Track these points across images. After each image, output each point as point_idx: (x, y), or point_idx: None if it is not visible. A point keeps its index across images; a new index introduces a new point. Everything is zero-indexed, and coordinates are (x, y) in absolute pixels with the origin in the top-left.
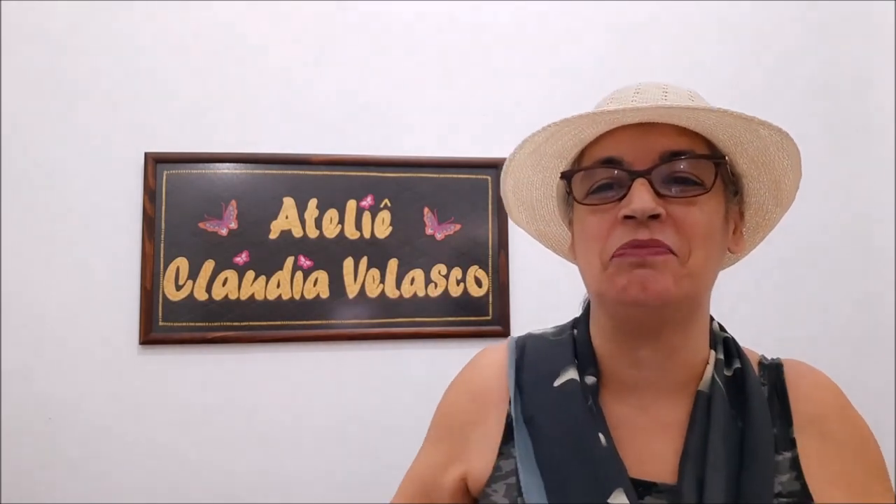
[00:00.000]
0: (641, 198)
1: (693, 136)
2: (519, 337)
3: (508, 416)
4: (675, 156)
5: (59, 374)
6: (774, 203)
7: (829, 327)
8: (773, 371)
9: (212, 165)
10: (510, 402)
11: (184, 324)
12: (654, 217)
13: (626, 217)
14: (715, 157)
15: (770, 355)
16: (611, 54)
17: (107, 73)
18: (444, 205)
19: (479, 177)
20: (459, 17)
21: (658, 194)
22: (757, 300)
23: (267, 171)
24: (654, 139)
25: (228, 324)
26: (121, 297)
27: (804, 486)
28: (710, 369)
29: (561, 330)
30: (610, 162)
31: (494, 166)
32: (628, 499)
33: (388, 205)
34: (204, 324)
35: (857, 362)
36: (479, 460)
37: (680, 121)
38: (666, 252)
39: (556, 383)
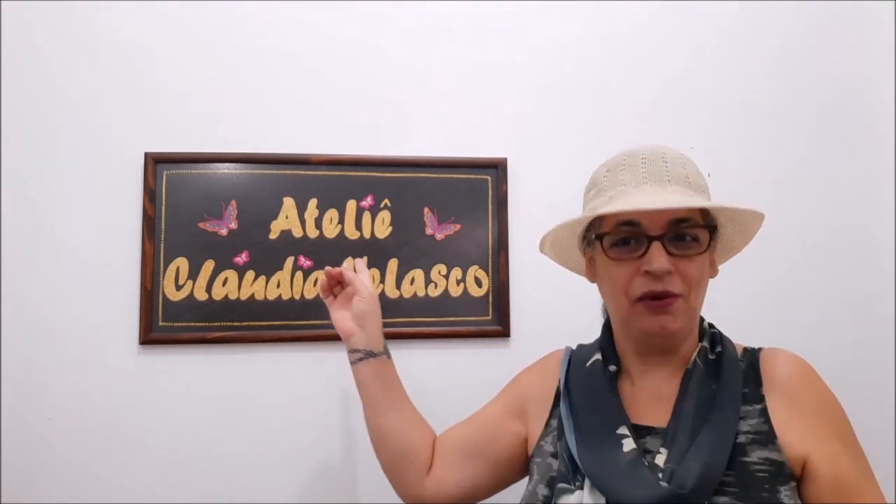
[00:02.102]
0: (660, 259)
1: None
2: (574, 348)
3: (558, 389)
4: (679, 222)
5: (58, 374)
6: (741, 241)
7: (828, 327)
8: (753, 352)
9: (212, 165)
10: (560, 380)
11: (184, 324)
12: (667, 272)
13: (646, 272)
14: (709, 225)
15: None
16: (611, 57)
17: (107, 73)
18: (444, 205)
19: (479, 177)
20: (460, 17)
21: (669, 253)
22: (754, 302)
23: (267, 171)
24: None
25: (228, 324)
26: (121, 297)
27: (771, 428)
28: (694, 354)
29: (595, 340)
30: (629, 224)
31: (495, 166)
32: (629, 433)
33: (388, 205)
34: (204, 324)
35: (857, 362)
36: (536, 421)
37: (695, 205)
38: (676, 299)
39: (587, 364)
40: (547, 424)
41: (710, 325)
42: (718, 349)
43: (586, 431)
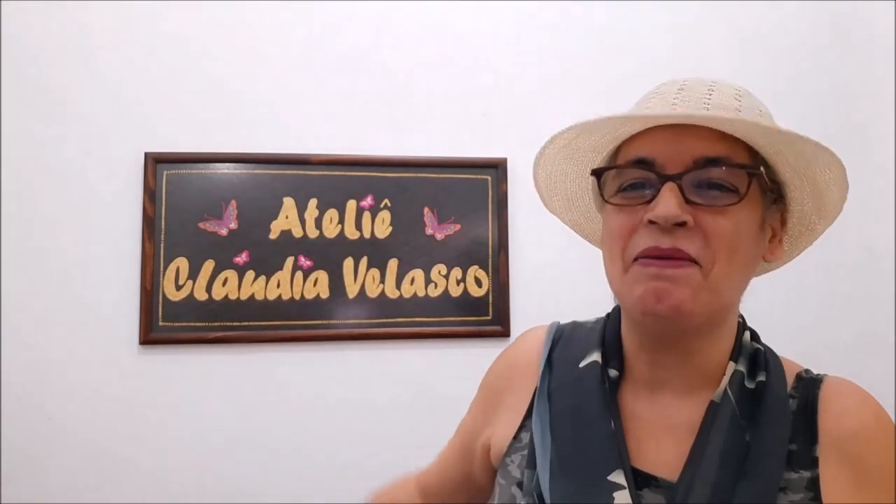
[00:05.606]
0: (668, 204)
1: (733, 139)
2: (564, 322)
3: (536, 389)
4: (709, 162)
5: (59, 374)
6: (818, 215)
7: (828, 327)
8: (810, 385)
9: (212, 165)
10: (539, 377)
11: (184, 324)
12: (681, 224)
13: (651, 221)
14: (749, 167)
15: (816, 370)
16: (611, 56)
17: (107, 73)
18: (444, 205)
19: (479, 177)
20: (459, 18)
21: (687, 200)
22: (752, 302)
23: (267, 171)
24: (691, 143)
25: (228, 324)
26: (121, 297)
27: None
28: (724, 381)
29: (599, 320)
30: (642, 162)
31: (494, 166)
32: (626, 482)
33: (388, 205)
34: (204, 324)
35: (857, 363)
36: (504, 429)
37: (718, 125)
38: (687, 264)
39: (581, 364)
40: (516, 437)
41: (753, 337)
42: (761, 378)
43: (566, 468)
